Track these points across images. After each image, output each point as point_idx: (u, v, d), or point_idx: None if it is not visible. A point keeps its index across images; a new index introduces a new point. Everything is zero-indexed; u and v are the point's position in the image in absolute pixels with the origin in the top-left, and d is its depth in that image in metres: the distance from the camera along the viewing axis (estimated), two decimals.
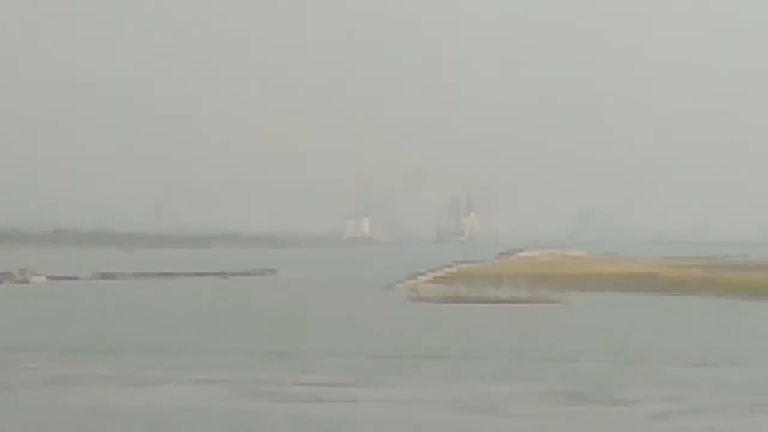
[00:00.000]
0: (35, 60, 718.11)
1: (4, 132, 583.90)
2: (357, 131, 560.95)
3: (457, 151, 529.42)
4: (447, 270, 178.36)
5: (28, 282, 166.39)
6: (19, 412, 56.68)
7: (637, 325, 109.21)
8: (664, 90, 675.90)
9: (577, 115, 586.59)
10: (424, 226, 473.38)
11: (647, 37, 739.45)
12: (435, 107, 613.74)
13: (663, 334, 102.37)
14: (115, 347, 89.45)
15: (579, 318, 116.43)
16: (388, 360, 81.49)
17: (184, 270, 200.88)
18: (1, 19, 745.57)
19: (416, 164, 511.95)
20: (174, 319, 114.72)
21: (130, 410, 56.79)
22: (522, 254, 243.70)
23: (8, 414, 56.07)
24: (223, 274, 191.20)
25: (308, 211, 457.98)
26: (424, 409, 57.98)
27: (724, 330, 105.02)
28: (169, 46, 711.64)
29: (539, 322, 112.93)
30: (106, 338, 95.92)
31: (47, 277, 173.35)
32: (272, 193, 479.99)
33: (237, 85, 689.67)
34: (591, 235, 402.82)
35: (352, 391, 64.87)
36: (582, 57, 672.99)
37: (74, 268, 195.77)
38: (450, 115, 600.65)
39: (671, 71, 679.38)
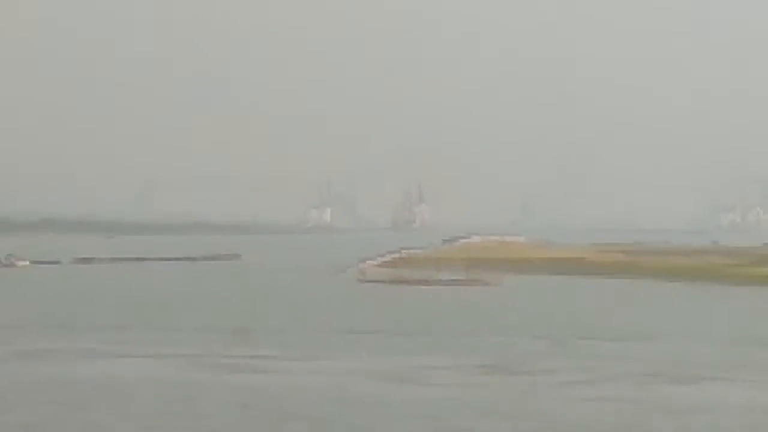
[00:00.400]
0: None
1: None
2: (319, 128, 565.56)
3: (409, 147, 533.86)
4: (394, 255, 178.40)
5: (14, 266, 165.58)
6: None
7: (562, 304, 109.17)
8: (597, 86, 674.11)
9: (518, 109, 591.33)
10: (380, 215, 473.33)
11: (580, 34, 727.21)
12: (387, 105, 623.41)
13: (585, 313, 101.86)
14: (85, 325, 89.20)
15: (509, 298, 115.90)
16: (329, 335, 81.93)
17: (157, 255, 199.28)
18: None
19: (373, 159, 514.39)
20: (141, 300, 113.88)
21: (87, 381, 56.70)
22: (464, 240, 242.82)
23: None
24: (192, 259, 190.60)
25: (274, 202, 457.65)
26: (353, 380, 58.24)
27: (640, 309, 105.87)
28: (151, 40, 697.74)
29: (472, 301, 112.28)
30: (78, 316, 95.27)
31: (31, 262, 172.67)
32: (242, 185, 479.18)
33: (203, 79, 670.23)
34: (532, 223, 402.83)
35: (292, 364, 65.53)
36: (525, 55, 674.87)
37: (56, 254, 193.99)
38: (402, 111, 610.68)
39: (603, 64, 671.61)
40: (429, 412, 48.73)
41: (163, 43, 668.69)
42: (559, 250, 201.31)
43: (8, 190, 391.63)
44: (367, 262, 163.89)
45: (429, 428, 45.57)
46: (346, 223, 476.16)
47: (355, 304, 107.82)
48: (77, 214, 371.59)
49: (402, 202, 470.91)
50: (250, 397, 52.69)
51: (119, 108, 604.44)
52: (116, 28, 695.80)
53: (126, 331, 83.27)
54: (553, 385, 56.96)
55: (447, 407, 49.68)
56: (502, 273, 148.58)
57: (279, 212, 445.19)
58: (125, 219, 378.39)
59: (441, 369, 61.96)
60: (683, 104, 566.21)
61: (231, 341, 77.35)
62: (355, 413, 48.65)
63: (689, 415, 47.61)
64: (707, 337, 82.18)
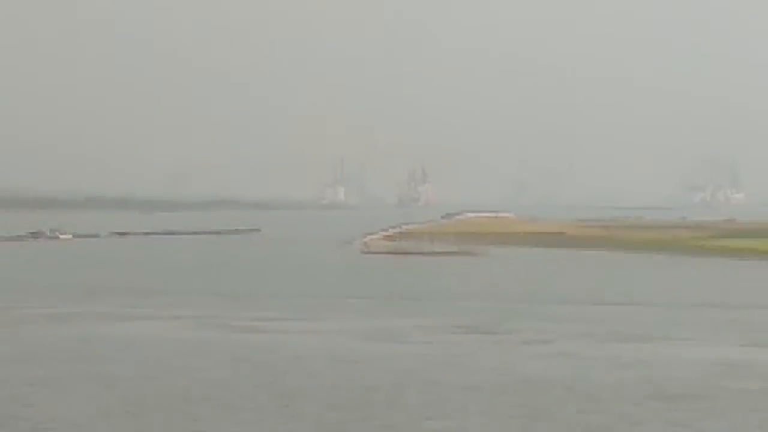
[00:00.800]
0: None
1: (37, 111, 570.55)
2: (335, 115, 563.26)
3: (415, 130, 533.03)
4: (395, 230, 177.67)
5: (57, 238, 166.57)
6: (11, 343, 56.66)
7: (539, 273, 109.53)
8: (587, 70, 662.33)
9: (515, 101, 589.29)
10: (388, 193, 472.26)
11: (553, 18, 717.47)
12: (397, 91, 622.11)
13: (561, 280, 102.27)
14: (115, 290, 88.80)
15: (493, 267, 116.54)
16: (327, 300, 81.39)
17: (186, 230, 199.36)
18: None
19: (382, 141, 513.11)
20: (167, 269, 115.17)
21: (107, 339, 57.32)
22: (458, 217, 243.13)
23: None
24: (217, 233, 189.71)
25: (293, 180, 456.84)
26: (339, 339, 58.89)
27: (610, 277, 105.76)
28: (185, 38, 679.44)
29: (459, 270, 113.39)
30: (109, 283, 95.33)
31: (73, 235, 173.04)
32: (264, 165, 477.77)
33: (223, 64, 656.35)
34: (524, 201, 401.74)
35: (289, 324, 65.83)
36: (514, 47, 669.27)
37: (96, 228, 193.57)
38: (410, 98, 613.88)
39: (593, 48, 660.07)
40: (397, 366, 49.04)
41: (191, 42, 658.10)
42: (542, 225, 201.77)
43: (54, 170, 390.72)
44: (371, 236, 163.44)
45: (392, 379, 45.94)
46: (357, 200, 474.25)
47: (355, 273, 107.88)
48: (117, 193, 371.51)
49: (407, 182, 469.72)
50: (246, 353, 52.93)
51: (157, 99, 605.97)
52: (154, 26, 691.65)
53: (150, 296, 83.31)
54: (515, 343, 57.31)
55: (414, 362, 50.15)
56: (489, 245, 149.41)
57: (298, 191, 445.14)
58: (161, 198, 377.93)
59: (419, 329, 62.00)
60: (665, 94, 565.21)
61: (240, 305, 77.41)
62: (333, 367, 49.01)
63: (634, 368, 47.81)
64: (666, 301, 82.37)
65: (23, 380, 44.14)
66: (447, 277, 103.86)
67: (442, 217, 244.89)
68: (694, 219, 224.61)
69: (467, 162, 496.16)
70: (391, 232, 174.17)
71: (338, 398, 41.50)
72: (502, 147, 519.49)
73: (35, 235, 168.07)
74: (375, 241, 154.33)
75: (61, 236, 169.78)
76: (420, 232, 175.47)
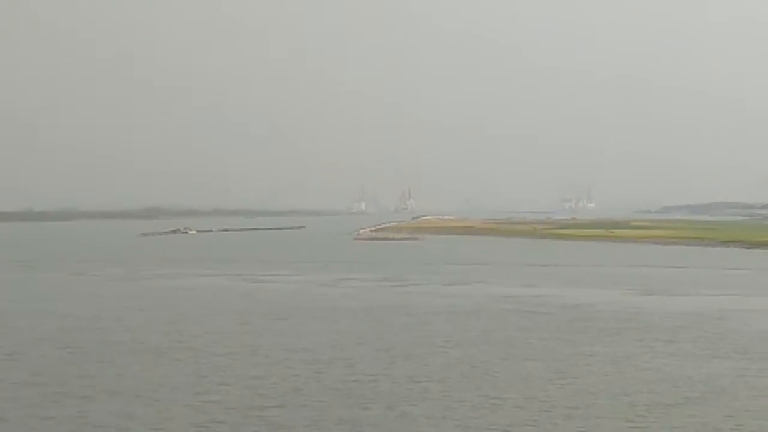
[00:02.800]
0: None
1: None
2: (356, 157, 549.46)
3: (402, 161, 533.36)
4: (378, 226, 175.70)
5: (187, 233, 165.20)
6: (124, 289, 56.17)
7: (449, 249, 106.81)
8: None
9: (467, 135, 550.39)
10: (390, 204, 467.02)
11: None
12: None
13: (457, 252, 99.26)
14: (206, 259, 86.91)
15: (425, 246, 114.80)
16: (318, 264, 78.90)
17: (266, 227, 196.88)
18: None
19: (386, 172, 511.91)
20: (240, 247, 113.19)
21: (185, 288, 55.90)
22: (422, 218, 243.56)
23: (116, 290, 54.93)
24: (280, 229, 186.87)
25: (335, 198, 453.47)
26: (306, 285, 57.61)
27: (487, 250, 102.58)
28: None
29: (406, 248, 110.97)
30: (204, 256, 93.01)
31: (197, 231, 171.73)
32: (319, 188, 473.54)
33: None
34: (468, 208, 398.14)
35: (288, 277, 64.25)
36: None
37: (211, 226, 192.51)
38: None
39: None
40: (329, 298, 48.93)
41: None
42: (462, 222, 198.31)
43: (191, 190, 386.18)
44: (362, 229, 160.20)
45: (319, 304, 45.91)
46: (372, 209, 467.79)
47: (344, 250, 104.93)
48: (232, 206, 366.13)
49: (400, 198, 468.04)
50: (253, 292, 52.44)
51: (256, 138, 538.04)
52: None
53: (221, 263, 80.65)
54: (402, 286, 55.69)
55: (340, 297, 50.00)
56: (428, 234, 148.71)
57: (338, 204, 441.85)
58: (260, 208, 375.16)
59: (356, 280, 60.38)
60: (540, 146, 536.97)
61: (268, 267, 75.14)
62: (294, 299, 48.91)
63: (458, 298, 47.82)
64: (505, 262, 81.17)
65: (123, 307, 44.62)
66: (394, 252, 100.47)
67: (413, 219, 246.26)
68: (553, 219, 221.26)
69: (436, 184, 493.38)
70: (376, 227, 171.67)
71: (285, 313, 41.70)
72: (456, 174, 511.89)
73: (175, 231, 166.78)
74: (364, 233, 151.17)
75: (189, 232, 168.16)
76: (393, 228, 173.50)
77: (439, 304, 44.91)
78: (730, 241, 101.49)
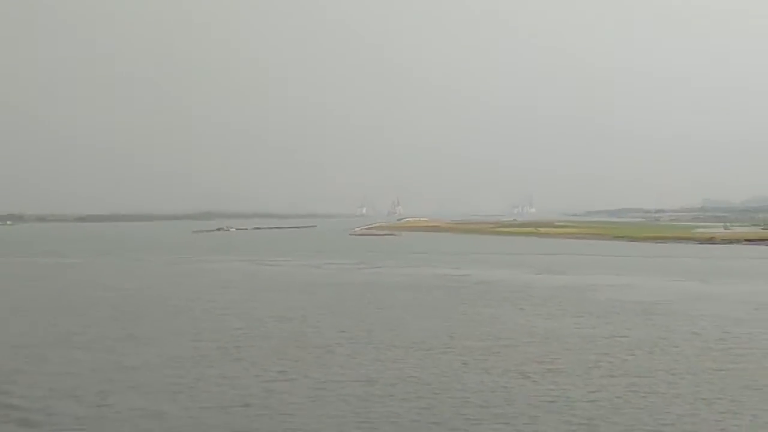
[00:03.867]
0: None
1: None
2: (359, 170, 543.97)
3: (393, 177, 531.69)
4: (370, 226, 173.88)
5: (228, 231, 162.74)
6: (165, 270, 55.08)
7: (418, 242, 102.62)
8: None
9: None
10: (385, 210, 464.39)
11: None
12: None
13: (422, 244, 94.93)
14: (234, 249, 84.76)
15: (400, 240, 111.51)
16: (315, 252, 76.98)
17: (286, 226, 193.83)
18: None
19: (382, 185, 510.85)
20: (262, 242, 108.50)
21: (212, 269, 54.93)
22: (404, 220, 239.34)
23: (161, 271, 53.67)
24: (297, 227, 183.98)
25: (343, 205, 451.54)
26: (297, 267, 56.35)
27: (446, 243, 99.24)
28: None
29: (385, 241, 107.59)
30: (233, 248, 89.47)
31: (236, 229, 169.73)
32: (331, 198, 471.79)
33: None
34: (442, 212, 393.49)
35: (290, 261, 63.17)
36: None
37: (247, 225, 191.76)
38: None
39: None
40: (313, 276, 48.31)
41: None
42: (433, 222, 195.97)
43: (235, 197, 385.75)
44: (357, 228, 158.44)
45: (304, 280, 45.23)
46: (372, 213, 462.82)
47: (340, 243, 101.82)
48: (267, 210, 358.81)
49: (391, 205, 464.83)
50: (259, 273, 51.68)
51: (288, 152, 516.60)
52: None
53: (243, 252, 78.40)
54: (369, 268, 54.50)
55: (321, 275, 49.24)
56: (405, 231, 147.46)
57: (345, 209, 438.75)
58: (287, 212, 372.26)
59: (337, 264, 58.95)
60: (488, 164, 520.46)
61: (277, 255, 73.21)
62: (287, 277, 48.15)
63: (407, 276, 46.57)
64: (452, 251, 77.67)
65: (162, 282, 44.71)
66: (375, 244, 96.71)
67: (398, 220, 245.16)
68: (500, 220, 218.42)
69: (418, 194, 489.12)
70: (368, 226, 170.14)
71: (277, 287, 40.90)
72: (433, 187, 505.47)
73: (219, 229, 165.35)
74: (358, 230, 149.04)
75: (229, 229, 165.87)
76: (380, 226, 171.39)
77: (389, 281, 44.21)
78: (620, 236, 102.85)
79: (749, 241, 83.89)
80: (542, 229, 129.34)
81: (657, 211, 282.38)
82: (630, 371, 19.02)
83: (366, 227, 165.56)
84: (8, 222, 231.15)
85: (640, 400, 16.21)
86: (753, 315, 29.04)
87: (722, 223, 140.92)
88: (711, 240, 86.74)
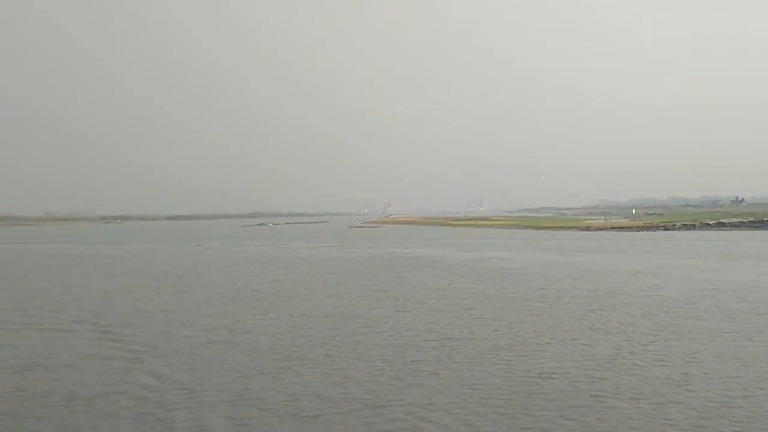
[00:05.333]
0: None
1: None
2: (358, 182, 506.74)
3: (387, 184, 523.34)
4: (366, 221, 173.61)
5: (267, 225, 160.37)
6: (213, 253, 49.43)
7: (395, 232, 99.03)
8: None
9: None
10: (380, 209, 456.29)
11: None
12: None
13: (397, 234, 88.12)
14: (262, 237, 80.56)
15: (383, 230, 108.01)
16: (319, 239, 72.50)
17: (307, 221, 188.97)
18: None
19: (379, 190, 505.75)
20: (286, 232, 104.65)
21: (245, 250, 52.70)
22: (390, 216, 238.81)
23: (210, 253, 49.34)
24: (313, 222, 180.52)
25: (349, 205, 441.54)
26: (305, 249, 53.07)
27: (417, 233, 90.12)
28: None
29: (371, 231, 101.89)
30: (268, 236, 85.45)
31: (272, 224, 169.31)
32: (340, 200, 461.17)
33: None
34: (422, 210, 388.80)
35: (297, 244, 60.42)
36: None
37: (281, 221, 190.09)
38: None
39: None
40: (306, 254, 45.95)
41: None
42: (410, 218, 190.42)
43: (276, 200, 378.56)
44: (356, 222, 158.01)
45: (301, 257, 43.40)
46: (371, 212, 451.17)
47: (339, 234, 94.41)
48: (292, 210, 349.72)
49: (384, 206, 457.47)
50: (274, 253, 48.26)
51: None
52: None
53: (267, 239, 74.63)
54: (349, 250, 50.37)
55: (315, 254, 46.62)
56: (388, 224, 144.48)
57: (350, 209, 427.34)
58: (308, 211, 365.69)
59: (327, 246, 56.18)
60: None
61: (290, 240, 69.54)
62: (291, 255, 45.52)
63: (379, 256, 42.95)
64: (418, 238, 70.02)
65: (207, 260, 42.04)
66: (363, 234, 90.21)
67: (385, 217, 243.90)
68: (455, 216, 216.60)
69: (404, 197, 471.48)
70: (364, 222, 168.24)
71: (283, 261, 39.14)
72: (415, 192, 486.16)
73: (261, 224, 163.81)
74: (356, 225, 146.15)
75: (268, 224, 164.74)
76: (371, 221, 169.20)
77: (355, 257, 41.64)
78: (529, 226, 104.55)
79: (614, 228, 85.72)
80: (480, 222, 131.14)
81: (567, 209, 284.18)
82: (474, 306, 20.05)
83: (363, 222, 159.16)
84: (118, 221, 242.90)
85: (473, 321, 17.44)
86: (574, 274, 28.79)
87: (603, 217, 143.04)
88: (587, 228, 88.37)
